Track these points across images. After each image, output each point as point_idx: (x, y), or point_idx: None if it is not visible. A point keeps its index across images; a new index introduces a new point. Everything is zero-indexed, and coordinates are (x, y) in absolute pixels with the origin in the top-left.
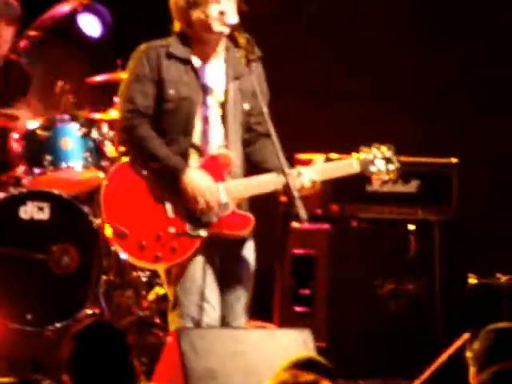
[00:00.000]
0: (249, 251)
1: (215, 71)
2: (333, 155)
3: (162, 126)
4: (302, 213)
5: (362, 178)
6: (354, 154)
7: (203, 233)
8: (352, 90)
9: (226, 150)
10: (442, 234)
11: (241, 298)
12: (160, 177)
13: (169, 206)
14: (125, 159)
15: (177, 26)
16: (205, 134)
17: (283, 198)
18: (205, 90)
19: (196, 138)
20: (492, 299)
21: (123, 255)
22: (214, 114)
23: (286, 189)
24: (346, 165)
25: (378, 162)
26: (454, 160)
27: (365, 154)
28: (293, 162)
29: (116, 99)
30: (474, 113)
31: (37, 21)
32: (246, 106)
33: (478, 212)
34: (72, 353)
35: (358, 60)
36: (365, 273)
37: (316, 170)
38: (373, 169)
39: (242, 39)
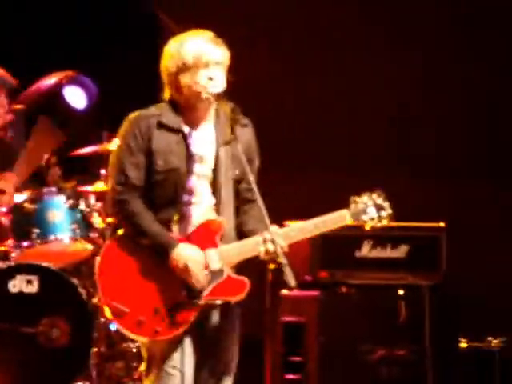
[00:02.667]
0: (235, 318)
1: (205, 138)
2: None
3: (150, 195)
4: (291, 280)
5: (351, 243)
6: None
7: (199, 301)
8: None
9: (216, 216)
10: (432, 298)
11: (226, 369)
12: (152, 251)
13: (163, 279)
14: (116, 234)
15: (167, 92)
16: (194, 202)
17: (271, 266)
18: (195, 158)
19: (185, 205)
20: (483, 363)
21: (124, 332)
22: (204, 182)
23: (274, 256)
24: (338, 217)
25: (369, 210)
26: (442, 224)
27: (356, 203)
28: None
29: (103, 171)
30: (464, 177)
31: (22, 94)
32: (237, 172)
33: (467, 276)
34: None
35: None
36: (355, 339)
37: (306, 225)
38: (365, 217)
39: (226, 108)
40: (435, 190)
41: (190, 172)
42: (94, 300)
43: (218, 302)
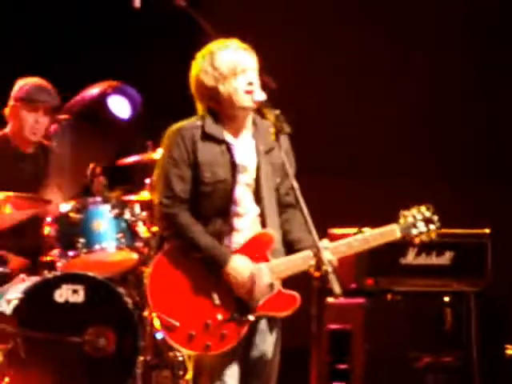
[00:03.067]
0: (278, 332)
1: (246, 148)
2: (365, 229)
3: (198, 207)
4: (337, 288)
5: (396, 250)
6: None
7: (251, 317)
8: (386, 165)
9: (266, 229)
10: (478, 304)
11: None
12: (203, 264)
13: (215, 293)
14: (166, 247)
15: (202, 106)
16: (241, 212)
17: (317, 274)
18: (239, 168)
19: (233, 216)
20: None
21: (175, 347)
22: (248, 191)
23: (320, 264)
24: (388, 231)
25: (418, 224)
26: (487, 230)
27: (405, 218)
28: (327, 237)
29: (147, 180)
30: (507, 183)
31: (67, 104)
32: (278, 180)
33: None
34: None
35: (390, 135)
36: (401, 346)
37: (358, 239)
38: (414, 232)
39: (270, 116)
40: (478, 196)
41: (235, 182)
42: (141, 309)
43: (269, 315)
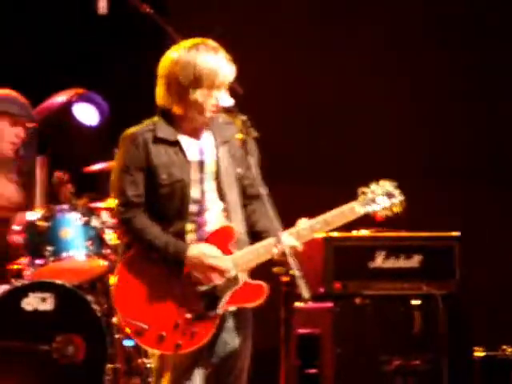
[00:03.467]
0: (248, 326)
1: (203, 144)
2: (333, 233)
3: (157, 210)
4: (305, 292)
5: (364, 254)
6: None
7: (219, 311)
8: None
9: (226, 222)
10: (447, 307)
11: (235, 372)
12: (164, 264)
13: (180, 293)
14: (127, 253)
15: (164, 100)
16: (203, 209)
17: (285, 278)
18: (196, 166)
19: (195, 215)
20: (499, 372)
21: (147, 349)
22: (210, 187)
23: (287, 268)
24: (348, 210)
25: (379, 199)
26: (455, 233)
27: (364, 194)
28: None
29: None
30: (476, 185)
31: (33, 112)
32: (239, 170)
33: (481, 284)
34: None
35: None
36: (371, 350)
37: (319, 222)
38: (376, 207)
39: (238, 121)
40: (447, 197)
41: (193, 181)
42: (109, 317)
43: (233, 308)
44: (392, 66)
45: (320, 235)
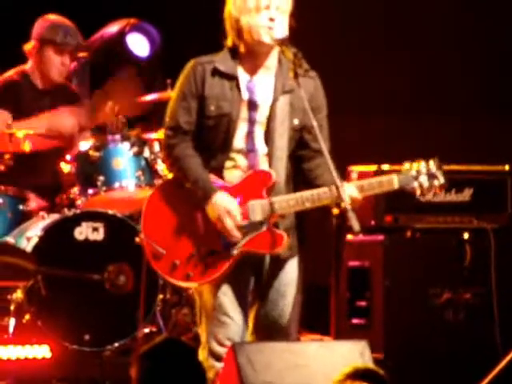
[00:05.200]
0: (291, 269)
1: (263, 86)
2: (384, 166)
3: (202, 141)
4: (356, 225)
5: None
6: (397, 173)
7: (234, 252)
8: (403, 102)
9: (266, 168)
10: (497, 241)
11: (283, 310)
12: (195, 196)
13: (203, 225)
14: (166, 178)
15: (229, 39)
16: (246, 150)
17: (336, 211)
18: (249, 105)
19: (237, 153)
20: None
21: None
22: (258, 129)
23: (339, 201)
24: (386, 181)
25: (421, 177)
26: (507, 167)
27: (407, 170)
28: (345, 175)
29: None
30: None
31: (86, 42)
32: (296, 122)
33: None
34: (144, 371)
35: (409, 72)
36: (421, 283)
37: (356, 186)
38: (415, 184)
39: (289, 54)
40: (499, 130)
41: (242, 118)
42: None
43: (254, 253)
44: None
45: (372, 168)
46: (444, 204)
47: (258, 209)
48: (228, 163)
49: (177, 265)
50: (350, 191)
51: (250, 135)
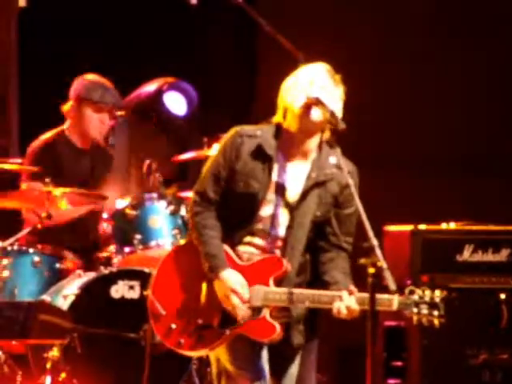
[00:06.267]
0: (295, 362)
1: (296, 171)
2: (421, 226)
3: (226, 210)
4: (391, 284)
5: (452, 247)
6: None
7: (227, 332)
8: (439, 161)
9: (280, 256)
10: None
11: None
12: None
13: (206, 297)
14: (188, 239)
15: (278, 115)
16: (266, 231)
17: (372, 270)
18: (277, 188)
19: (257, 232)
20: None
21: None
22: (282, 213)
23: (375, 260)
24: (386, 301)
25: (422, 305)
26: None
27: (410, 294)
28: (382, 234)
29: None
30: None
31: (124, 100)
32: (318, 213)
33: None
34: None
35: (444, 131)
36: (457, 343)
37: (357, 298)
38: (414, 310)
39: (325, 112)
40: None
41: (267, 200)
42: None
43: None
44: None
45: (408, 228)
46: (481, 264)
47: (260, 295)
48: (246, 239)
49: (172, 329)
50: (350, 302)
51: (272, 218)
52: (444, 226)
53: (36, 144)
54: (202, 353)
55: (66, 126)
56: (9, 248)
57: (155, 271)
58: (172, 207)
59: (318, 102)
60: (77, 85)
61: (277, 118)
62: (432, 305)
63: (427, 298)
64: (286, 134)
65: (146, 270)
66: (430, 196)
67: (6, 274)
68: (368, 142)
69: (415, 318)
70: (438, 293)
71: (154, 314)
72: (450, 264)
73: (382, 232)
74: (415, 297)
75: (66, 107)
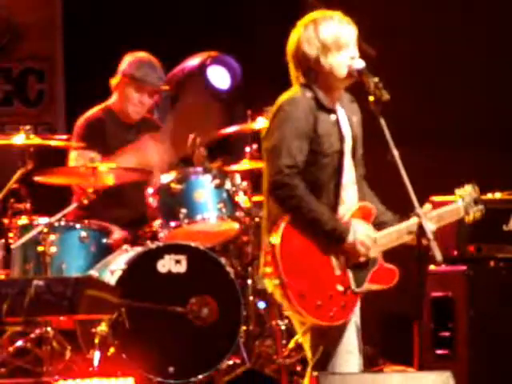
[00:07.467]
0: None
1: (343, 117)
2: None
3: (313, 179)
4: (438, 255)
5: (498, 217)
6: (457, 198)
7: (365, 288)
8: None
9: (365, 202)
10: None
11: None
12: (322, 236)
13: (335, 264)
14: (289, 217)
15: (300, 77)
16: (346, 183)
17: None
18: (345, 139)
19: (343, 188)
20: None
21: (303, 314)
22: (347, 161)
23: (420, 231)
24: (455, 211)
25: (472, 203)
26: None
27: (464, 197)
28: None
29: (247, 150)
30: None
31: (167, 75)
32: (361, 151)
33: None
34: None
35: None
36: (504, 313)
37: (431, 217)
38: (470, 211)
39: (370, 83)
40: None
41: (344, 153)
42: (243, 280)
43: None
44: None
45: (454, 198)
46: None
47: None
48: (336, 199)
49: (320, 306)
50: (429, 224)
51: (345, 168)
52: (490, 195)
53: (82, 120)
54: (347, 317)
55: (111, 100)
56: (56, 224)
57: (276, 254)
58: (217, 181)
59: (362, 74)
60: (124, 61)
61: (302, 79)
62: (476, 200)
63: (474, 195)
64: (324, 87)
65: (192, 244)
66: (475, 168)
67: (53, 249)
68: (408, 118)
69: (471, 217)
70: (472, 188)
71: (299, 294)
72: (497, 234)
73: (429, 202)
74: (468, 199)
75: (114, 81)
